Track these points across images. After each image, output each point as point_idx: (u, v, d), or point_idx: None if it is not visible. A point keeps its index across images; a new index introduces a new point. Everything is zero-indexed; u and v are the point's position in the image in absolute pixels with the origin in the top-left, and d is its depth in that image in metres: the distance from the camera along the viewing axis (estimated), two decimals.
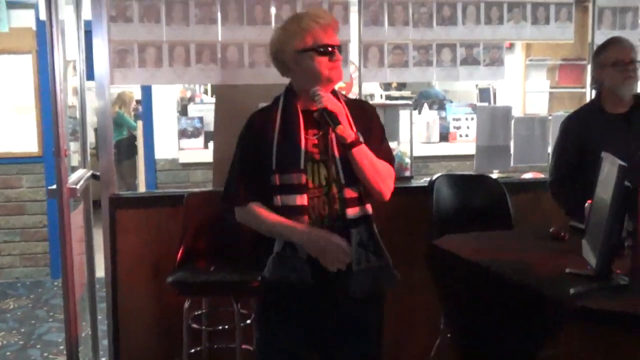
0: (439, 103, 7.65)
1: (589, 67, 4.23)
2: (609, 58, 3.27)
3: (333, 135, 2.33)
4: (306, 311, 2.40)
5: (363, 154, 2.35)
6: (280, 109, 2.43)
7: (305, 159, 2.35)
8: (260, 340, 2.54)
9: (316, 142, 2.39)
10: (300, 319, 2.41)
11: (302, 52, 2.36)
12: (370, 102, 4.70)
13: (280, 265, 2.36)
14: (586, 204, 2.68)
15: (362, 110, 2.51)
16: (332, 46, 2.36)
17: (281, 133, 2.38)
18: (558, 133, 3.47)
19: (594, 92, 4.12)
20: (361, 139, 2.35)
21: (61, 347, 4.62)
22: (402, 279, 3.77)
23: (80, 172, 3.71)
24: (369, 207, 2.41)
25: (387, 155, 2.48)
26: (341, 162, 2.36)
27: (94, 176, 3.81)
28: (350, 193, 2.36)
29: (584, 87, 6.72)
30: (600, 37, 4.14)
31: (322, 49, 2.35)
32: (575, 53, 7.19)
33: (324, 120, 2.31)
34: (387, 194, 2.45)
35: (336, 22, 2.42)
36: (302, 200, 2.33)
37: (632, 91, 3.29)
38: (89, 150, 4.06)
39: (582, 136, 3.31)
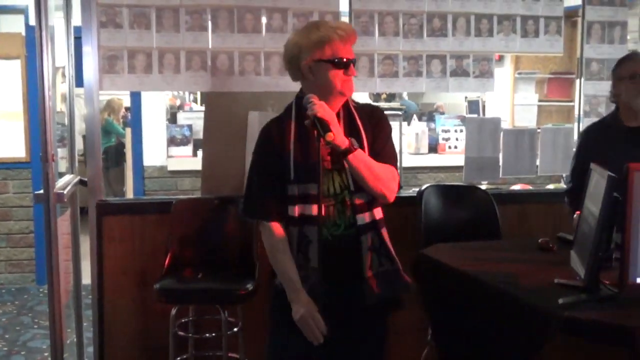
0: (410, 115, 7.72)
1: (577, 81, 4.28)
2: (626, 71, 3.30)
3: (323, 142, 2.32)
4: (325, 321, 2.38)
5: (359, 160, 2.35)
6: (294, 119, 2.43)
7: (321, 169, 2.36)
8: (271, 347, 2.54)
9: (329, 150, 2.40)
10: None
11: (319, 62, 2.37)
12: None
13: None
14: (575, 215, 2.69)
15: (370, 112, 2.54)
16: (350, 60, 2.38)
17: (297, 144, 2.39)
18: (577, 143, 3.52)
19: (583, 105, 4.19)
20: (355, 146, 2.35)
21: (46, 354, 4.58)
22: None
23: (67, 178, 3.69)
24: (377, 212, 2.45)
25: (389, 156, 2.49)
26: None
27: (81, 182, 3.79)
28: (359, 199, 2.39)
29: (572, 100, 6.78)
30: (589, 51, 4.18)
31: (339, 62, 2.36)
32: (564, 67, 7.23)
33: (315, 128, 2.29)
34: (390, 196, 2.46)
35: (355, 35, 2.44)
36: (317, 210, 2.34)
37: None
38: (77, 157, 4.04)
39: (597, 147, 3.31)
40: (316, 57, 2.36)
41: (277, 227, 2.45)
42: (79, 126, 4.38)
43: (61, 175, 3.80)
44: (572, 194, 3.44)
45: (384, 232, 2.48)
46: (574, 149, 3.66)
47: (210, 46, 3.67)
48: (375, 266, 2.41)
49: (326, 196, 2.38)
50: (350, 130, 2.41)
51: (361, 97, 8.45)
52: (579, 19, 4.29)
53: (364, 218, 2.40)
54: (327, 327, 2.38)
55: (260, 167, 2.49)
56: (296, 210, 2.38)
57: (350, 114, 2.48)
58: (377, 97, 8.99)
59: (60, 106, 4.31)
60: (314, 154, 2.34)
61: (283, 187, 2.39)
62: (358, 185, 2.38)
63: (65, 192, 3.20)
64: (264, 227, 2.48)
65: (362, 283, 2.38)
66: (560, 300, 2.17)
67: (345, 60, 2.37)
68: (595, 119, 4.20)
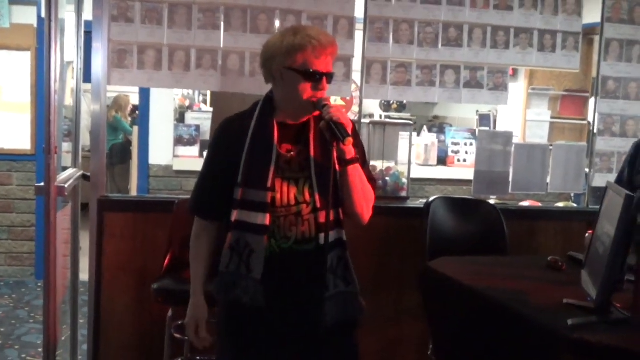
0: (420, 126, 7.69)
1: (592, 100, 4.23)
2: None
3: (333, 151, 2.21)
4: (273, 341, 2.28)
5: (357, 173, 2.27)
6: (255, 119, 2.30)
7: (275, 176, 2.24)
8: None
9: (289, 158, 2.27)
10: (264, 348, 2.29)
11: (289, 70, 2.23)
12: (370, 120, 4.64)
13: (232, 285, 2.25)
14: (587, 234, 2.62)
15: None
16: (321, 74, 2.23)
17: (252, 146, 2.26)
18: (629, 153, 3.53)
19: (597, 124, 4.12)
20: (358, 158, 2.27)
21: (39, 350, 4.52)
22: (392, 302, 3.76)
23: (70, 172, 3.64)
24: (343, 232, 2.30)
25: (369, 177, 2.38)
26: (318, 183, 2.24)
27: (84, 177, 3.74)
28: (325, 216, 2.23)
29: (585, 119, 6.72)
30: (607, 69, 4.12)
31: (308, 74, 2.22)
32: (579, 85, 7.17)
33: (331, 133, 2.17)
34: (367, 218, 2.35)
35: (334, 47, 2.25)
36: (263, 219, 2.21)
37: None
38: (81, 152, 3.99)
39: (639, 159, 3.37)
40: (287, 65, 2.23)
41: (205, 228, 2.36)
42: (86, 121, 4.32)
43: (65, 169, 3.75)
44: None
45: (346, 253, 2.31)
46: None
47: (222, 45, 3.62)
48: (332, 287, 2.26)
49: (277, 206, 2.24)
50: (322, 143, 2.26)
51: (372, 105, 8.42)
52: (596, 37, 4.23)
53: (330, 236, 2.24)
54: (285, 349, 2.28)
55: (208, 163, 2.38)
56: (235, 215, 2.24)
57: None
58: (387, 107, 8.94)
59: (69, 100, 4.27)
60: (268, 160, 2.23)
61: (230, 187, 2.26)
62: (326, 201, 2.22)
63: (66, 185, 3.15)
64: (195, 223, 2.39)
65: (316, 304, 2.23)
66: (570, 321, 2.10)
67: (315, 73, 2.21)
68: (608, 138, 4.15)
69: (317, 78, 2.23)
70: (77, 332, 3.95)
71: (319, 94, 2.24)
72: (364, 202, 2.31)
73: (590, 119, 4.29)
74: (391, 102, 8.78)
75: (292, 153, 2.28)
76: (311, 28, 2.30)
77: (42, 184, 3.02)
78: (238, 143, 2.28)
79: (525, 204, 4.89)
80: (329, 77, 2.26)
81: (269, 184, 2.22)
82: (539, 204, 5.02)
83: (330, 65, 2.27)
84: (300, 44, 2.20)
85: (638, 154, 3.47)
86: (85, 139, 4.42)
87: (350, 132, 2.18)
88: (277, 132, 2.28)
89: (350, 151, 2.22)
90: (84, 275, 3.77)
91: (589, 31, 4.86)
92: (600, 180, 4.09)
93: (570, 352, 2.05)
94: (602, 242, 2.25)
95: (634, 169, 3.45)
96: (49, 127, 2.97)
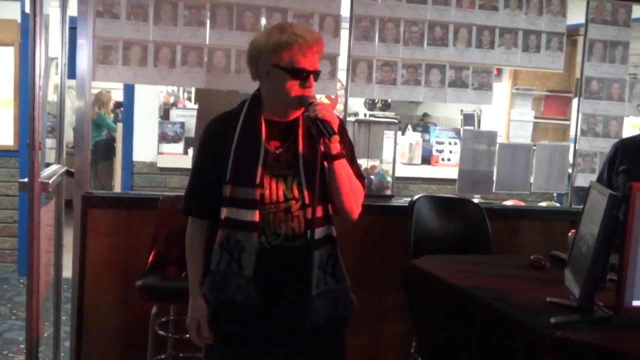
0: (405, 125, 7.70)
1: (575, 100, 4.26)
2: None
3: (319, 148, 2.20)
4: (261, 337, 2.28)
5: (344, 169, 2.26)
6: (242, 117, 2.30)
7: (263, 173, 2.24)
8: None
9: (277, 155, 2.28)
10: (253, 346, 2.29)
11: (276, 68, 2.23)
12: (355, 118, 4.65)
13: (224, 284, 2.24)
14: (569, 233, 2.64)
15: None
16: (307, 72, 2.23)
17: (240, 144, 2.26)
18: (608, 153, 3.57)
19: (579, 124, 4.16)
20: (344, 153, 2.28)
21: (22, 346, 4.49)
22: (375, 300, 3.77)
23: (54, 168, 3.62)
24: (333, 228, 2.31)
25: (358, 173, 2.39)
26: (306, 179, 2.24)
27: (68, 173, 3.71)
28: (313, 213, 2.21)
29: (568, 119, 6.76)
30: (590, 70, 4.15)
31: (294, 72, 2.21)
32: (562, 85, 7.22)
33: (317, 129, 2.17)
34: (356, 214, 2.35)
35: (320, 45, 2.26)
36: (252, 216, 2.21)
37: None
38: (65, 149, 3.96)
39: (623, 160, 3.42)
40: (273, 63, 2.23)
41: (198, 226, 2.36)
42: (70, 118, 4.30)
43: (48, 165, 3.73)
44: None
45: (336, 249, 2.31)
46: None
47: (207, 42, 3.61)
48: (321, 284, 2.25)
49: (266, 203, 2.24)
50: (309, 141, 2.26)
51: (357, 103, 8.43)
52: (580, 38, 4.27)
53: (318, 233, 2.23)
54: (274, 347, 2.29)
55: (197, 162, 2.38)
56: (224, 212, 2.24)
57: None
58: (372, 105, 8.96)
59: (53, 96, 4.24)
60: (256, 157, 2.23)
61: (218, 186, 2.26)
62: (314, 197, 2.20)
63: (50, 181, 3.13)
64: (189, 222, 2.39)
65: (305, 301, 2.22)
66: (552, 320, 2.12)
67: (302, 71, 2.22)
68: (591, 138, 4.19)
69: (304, 76, 2.23)
70: (60, 329, 3.93)
71: (306, 91, 2.24)
72: (353, 197, 2.31)
73: (573, 119, 4.31)
74: (376, 101, 8.79)
75: (280, 150, 2.28)
76: (297, 26, 2.30)
77: (26, 179, 3.00)
78: (226, 141, 2.28)
79: (508, 203, 4.92)
80: (316, 74, 2.26)
81: (258, 181, 2.22)
82: (522, 204, 5.05)
83: (317, 62, 2.27)
84: (287, 42, 2.20)
85: (617, 156, 3.51)
86: (69, 136, 4.40)
87: (336, 129, 2.18)
88: (264, 130, 2.28)
89: (336, 147, 2.22)
90: (67, 272, 3.75)
91: (573, 32, 4.90)
92: (582, 180, 4.12)
93: (552, 350, 2.06)
94: (585, 241, 2.27)
95: (613, 170, 3.49)
96: (33, 123, 2.96)
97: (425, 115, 9.38)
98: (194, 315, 2.33)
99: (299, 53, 2.21)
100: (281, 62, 2.22)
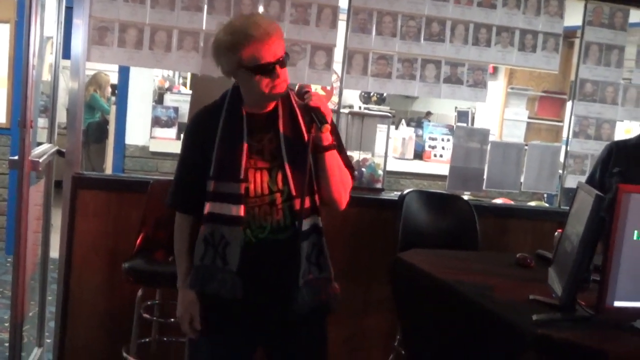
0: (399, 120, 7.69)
1: (569, 102, 4.27)
2: None
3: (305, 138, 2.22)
4: (245, 329, 2.30)
5: (335, 159, 2.27)
6: (224, 111, 2.28)
7: (247, 167, 2.23)
8: (194, 357, 2.43)
9: (260, 147, 2.27)
10: (236, 336, 2.31)
11: (240, 68, 2.18)
12: (349, 110, 4.65)
13: (208, 278, 2.25)
14: (556, 233, 2.66)
15: None
16: (272, 64, 2.16)
17: (222, 138, 2.25)
18: (600, 155, 3.57)
19: (573, 125, 4.17)
20: (335, 144, 2.28)
21: (6, 325, 4.48)
22: (361, 293, 3.78)
23: (45, 147, 3.61)
24: (319, 218, 2.30)
25: (347, 164, 2.39)
26: (292, 171, 2.23)
27: (59, 153, 3.70)
28: (299, 204, 2.21)
29: (561, 121, 6.78)
30: (585, 72, 4.16)
31: (258, 68, 2.15)
32: (557, 86, 7.23)
33: (311, 118, 2.17)
34: (344, 204, 2.35)
35: (274, 32, 2.18)
36: (237, 210, 2.21)
37: None
38: (57, 129, 3.95)
39: (617, 162, 3.42)
40: (236, 63, 2.17)
41: (185, 221, 2.35)
42: (64, 98, 4.27)
43: (40, 145, 3.72)
44: None
45: (322, 240, 2.31)
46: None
47: (204, 28, 3.60)
48: (306, 274, 2.26)
49: (251, 196, 2.24)
50: (292, 130, 2.26)
51: (352, 96, 8.42)
52: (577, 40, 4.27)
53: (305, 223, 2.23)
54: (258, 336, 2.31)
55: (183, 157, 2.37)
56: (207, 207, 2.23)
57: (292, 111, 2.29)
58: (367, 99, 8.95)
59: (47, 76, 4.23)
60: (240, 151, 2.22)
61: (203, 181, 2.25)
62: (300, 189, 2.20)
63: (40, 160, 3.13)
64: (176, 217, 2.39)
65: (291, 291, 2.23)
66: (534, 317, 2.13)
67: (266, 65, 2.15)
68: (583, 140, 4.20)
69: (270, 69, 2.17)
70: (45, 309, 3.94)
71: (277, 82, 2.20)
72: (342, 188, 2.32)
73: (566, 121, 4.33)
74: (371, 94, 8.79)
75: (263, 142, 2.28)
76: (248, 19, 2.22)
77: (16, 157, 3.00)
78: (209, 136, 2.27)
79: (498, 201, 4.93)
80: (281, 62, 2.20)
81: (242, 176, 2.22)
82: (512, 202, 5.07)
83: (279, 49, 2.19)
84: (240, 42, 2.15)
85: (611, 157, 3.52)
86: (62, 116, 4.38)
87: (329, 120, 2.18)
88: (246, 122, 2.26)
89: (327, 138, 2.22)
90: (55, 253, 3.74)
91: (570, 34, 4.90)
92: (572, 181, 4.14)
93: (533, 347, 2.08)
94: (570, 241, 2.28)
95: (607, 171, 3.50)
96: (25, 101, 2.96)
97: (428, 113, 9.36)
98: (187, 309, 2.32)
99: (256, 49, 2.14)
100: (243, 62, 2.17)
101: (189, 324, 2.32)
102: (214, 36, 2.27)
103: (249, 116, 2.27)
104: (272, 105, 2.29)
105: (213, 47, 2.25)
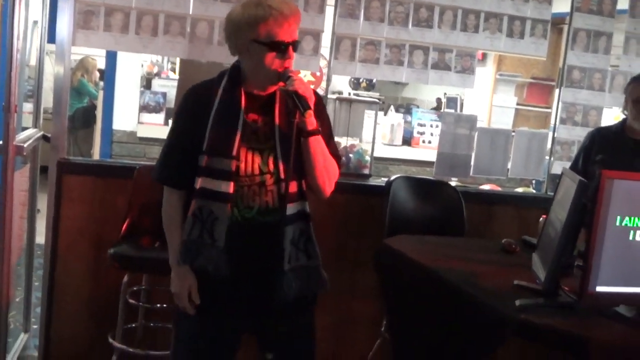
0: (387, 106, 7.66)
1: (557, 90, 4.29)
2: (633, 94, 3.49)
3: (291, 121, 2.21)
4: (232, 311, 2.30)
5: (319, 145, 2.27)
6: (222, 88, 2.30)
7: (240, 146, 2.24)
8: (180, 338, 2.43)
9: (255, 128, 2.28)
10: (223, 316, 2.32)
11: (254, 42, 2.21)
12: (336, 96, 4.64)
13: (196, 253, 2.25)
14: (540, 219, 2.67)
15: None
16: (286, 44, 2.22)
17: (218, 114, 2.26)
18: (582, 142, 3.75)
19: (560, 112, 4.18)
20: (320, 130, 2.27)
21: None
22: (347, 279, 3.79)
23: (30, 132, 3.59)
24: (306, 204, 2.31)
25: (335, 153, 2.39)
26: (282, 154, 2.25)
27: (44, 138, 3.68)
28: (289, 187, 2.23)
29: (549, 107, 6.80)
30: (573, 58, 4.16)
31: (273, 45, 2.20)
32: (546, 73, 7.24)
33: (293, 104, 2.18)
34: (329, 192, 2.36)
35: (297, 15, 2.24)
36: (227, 187, 2.21)
37: None
38: (43, 114, 3.92)
39: (598, 150, 3.55)
40: (251, 37, 2.21)
41: (175, 195, 2.34)
42: (51, 83, 4.23)
43: (25, 130, 3.70)
44: None
45: (309, 226, 2.32)
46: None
47: (191, 12, 3.57)
48: (293, 260, 2.27)
49: (242, 175, 2.25)
50: (287, 115, 2.26)
51: (341, 82, 8.41)
52: (565, 27, 4.26)
53: (291, 208, 2.25)
54: (245, 317, 2.31)
55: (174, 131, 2.37)
56: (199, 182, 2.24)
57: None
58: (356, 85, 8.94)
59: (34, 60, 4.20)
60: (235, 128, 2.23)
61: (195, 155, 2.26)
62: (289, 172, 2.22)
63: (25, 145, 3.11)
64: (165, 192, 2.38)
65: (276, 276, 2.24)
66: (517, 302, 2.14)
67: (280, 43, 2.20)
68: (570, 127, 4.21)
69: (283, 48, 2.22)
70: (31, 295, 3.93)
71: (286, 62, 2.24)
72: (326, 175, 2.32)
73: (554, 107, 4.33)
74: (360, 80, 8.78)
75: (258, 123, 2.28)
76: None
77: (0, 142, 2.98)
78: (204, 111, 2.27)
79: (485, 187, 4.94)
80: (295, 45, 2.25)
81: (234, 152, 2.22)
82: (499, 189, 5.08)
83: (295, 33, 2.25)
84: (263, 16, 2.19)
85: (594, 144, 3.56)
86: (48, 101, 4.35)
87: (312, 105, 2.18)
88: (244, 101, 2.27)
89: (311, 122, 2.22)
90: (40, 238, 3.73)
91: (559, 20, 4.90)
92: (559, 167, 4.12)
93: (516, 332, 2.10)
94: (554, 227, 2.29)
95: (589, 158, 3.54)
96: (10, 85, 2.93)
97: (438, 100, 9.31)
98: (185, 283, 2.30)
99: (275, 25, 2.19)
100: (259, 36, 2.20)
101: (187, 298, 2.31)
102: (231, 9, 2.30)
103: (247, 95, 2.29)
104: (271, 89, 2.30)
105: (229, 21, 2.28)
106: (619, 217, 2.02)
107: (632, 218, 2.04)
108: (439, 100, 8.89)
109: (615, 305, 2.18)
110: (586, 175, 3.50)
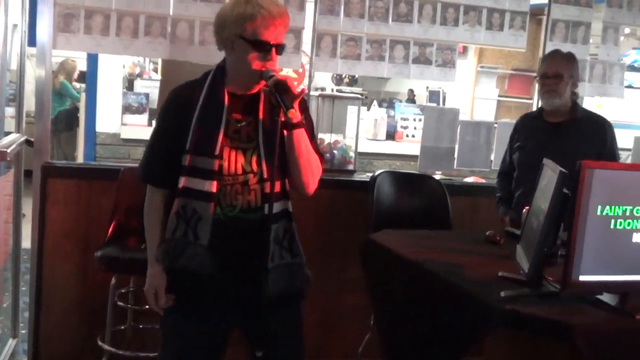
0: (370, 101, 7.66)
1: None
2: (539, 70, 3.46)
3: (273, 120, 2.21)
4: (219, 308, 2.31)
5: (303, 138, 2.27)
6: (206, 88, 2.30)
7: (223, 145, 2.25)
8: (167, 337, 2.43)
9: (239, 128, 2.29)
10: (208, 314, 2.32)
11: (239, 38, 2.23)
12: (319, 93, 4.66)
13: (179, 252, 2.26)
14: (524, 210, 2.69)
15: None
16: (270, 45, 2.22)
17: (201, 114, 2.26)
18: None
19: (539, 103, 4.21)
20: (304, 123, 2.28)
21: None
22: (334, 274, 3.81)
23: (13, 136, 3.57)
24: (289, 203, 2.34)
25: (317, 150, 2.40)
26: (265, 153, 2.26)
27: (28, 142, 3.67)
28: (270, 187, 2.23)
29: (531, 98, 6.84)
30: (552, 49, 4.18)
31: (257, 44, 2.21)
32: (526, 64, 7.29)
33: (277, 102, 2.17)
34: (312, 189, 2.37)
35: (285, 18, 2.24)
36: (210, 186, 2.22)
37: (552, 105, 3.39)
38: (25, 118, 3.91)
39: (519, 137, 3.55)
40: (237, 33, 2.22)
41: (158, 194, 2.35)
42: (32, 86, 4.21)
43: (8, 134, 3.68)
44: (499, 177, 3.73)
45: (292, 224, 2.34)
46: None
47: (171, 13, 3.57)
48: (277, 258, 2.29)
49: (225, 174, 2.25)
50: (271, 115, 2.26)
51: (324, 78, 8.43)
52: (544, 18, 4.30)
53: (275, 207, 2.25)
54: (230, 316, 2.33)
55: (158, 130, 2.39)
56: (182, 181, 2.25)
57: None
58: (339, 81, 8.96)
59: (15, 64, 4.18)
60: (218, 128, 2.24)
61: (178, 155, 2.27)
62: (272, 171, 2.23)
63: (9, 150, 3.10)
64: (148, 190, 2.39)
65: (261, 273, 2.25)
66: (502, 293, 2.17)
67: (265, 43, 2.21)
68: None
69: (267, 48, 2.22)
70: (19, 300, 3.91)
71: (268, 64, 2.24)
72: (310, 171, 2.33)
73: (535, 97, 4.36)
74: (343, 76, 8.79)
75: (241, 123, 2.29)
76: None
77: None
78: (188, 110, 2.28)
79: (469, 180, 4.97)
80: (279, 48, 2.26)
81: (217, 152, 2.23)
82: (483, 181, 5.11)
83: (281, 36, 2.26)
84: (251, 14, 2.20)
85: (516, 132, 3.61)
86: (30, 105, 4.33)
87: (295, 92, 2.18)
88: (227, 101, 2.28)
89: (295, 116, 2.22)
90: (27, 243, 3.72)
91: (537, 11, 4.93)
92: None
93: (502, 323, 2.12)
94: (536, 217, 2.32)
95: (511, 148, 3.59)
96: None
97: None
98: (153, 283, 2.34)
99: (262, 25, 2.20)
100: (245, 33, 2.21)
101: (154, 298, 2.34)
102: (223, 4, 2.33)
103: (231, 96, 2.29)
104: (255, 89, 2.31)
105: (218, 16, 2.29)
106: (599, 207, 2.05)
107: (612, 207, 2.06)
108: (410, 92, 8.87)
109: (599, 293, 2.21)
110: (512, 165, 3.57)
